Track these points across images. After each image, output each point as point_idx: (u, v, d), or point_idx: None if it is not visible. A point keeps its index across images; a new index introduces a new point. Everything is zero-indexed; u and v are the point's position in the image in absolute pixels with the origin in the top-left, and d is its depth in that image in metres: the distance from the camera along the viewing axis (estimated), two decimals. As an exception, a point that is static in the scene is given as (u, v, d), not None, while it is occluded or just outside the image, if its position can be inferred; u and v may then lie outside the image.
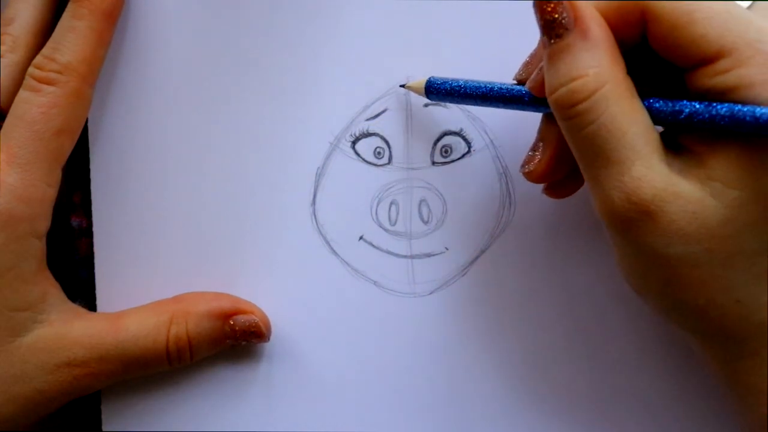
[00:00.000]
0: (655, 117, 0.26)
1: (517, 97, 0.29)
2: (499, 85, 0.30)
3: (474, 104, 0.31)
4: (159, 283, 0.35)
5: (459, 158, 0.34)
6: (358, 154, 0.35)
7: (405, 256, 0.35)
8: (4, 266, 0.31)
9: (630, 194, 0.25)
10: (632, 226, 0.25)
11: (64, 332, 0.32)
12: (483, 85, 0.30)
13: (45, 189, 0.32)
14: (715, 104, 0.25)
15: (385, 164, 0.35)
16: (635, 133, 0.25)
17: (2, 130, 0.32)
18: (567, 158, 0.28)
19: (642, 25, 0.26)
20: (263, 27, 0.35)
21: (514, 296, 0.34)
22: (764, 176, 0.24)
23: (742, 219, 0.25)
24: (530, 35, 0.34)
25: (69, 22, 0.32)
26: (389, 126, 0.34)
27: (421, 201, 0.35)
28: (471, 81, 0.31)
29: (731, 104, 0.24)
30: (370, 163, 0.35)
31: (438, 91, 0.32)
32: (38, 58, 0.32)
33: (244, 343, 0.34)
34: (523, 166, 0.30)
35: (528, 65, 0.30)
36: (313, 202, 0.35)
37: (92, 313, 0.34)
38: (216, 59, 0.35)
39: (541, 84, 0.28)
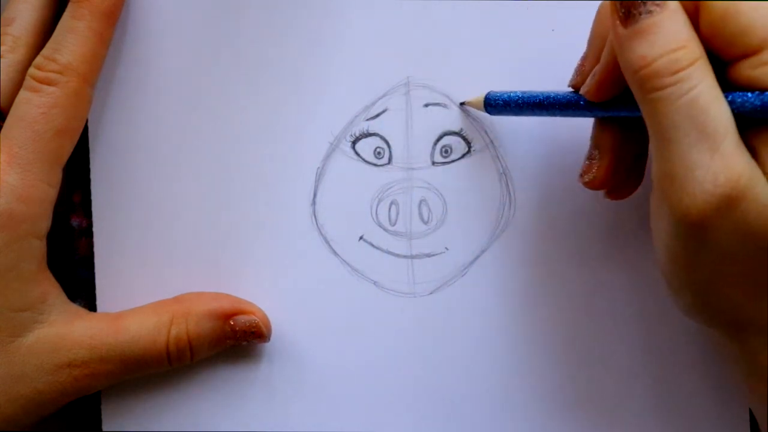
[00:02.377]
0: None
1: (573, 103, 0.30)
2: (555, 94, 0.30)
3: (532, 114, 0.31)
4: (159, 283, 0.35)
5: (459, 158, 0.34)
6: (358, 154, 0.35)
7: (405, 256, 0.35)
8: (5, 266, 0.31)
9: (719, 173, 0.24)
10: (710, 216, 0.25)
11: (64, 333, 0.32)
12: (540, 95, 0.30)
13: (45, 189, 0.32)
14: (765, 93, 0.25)
15: (385, 164, 0.35)
16: (723, 110, 0.25)
17: (2, 130, 0.32)
18: (626, 161, 0.29)
19: (696, 16, 0.26)
20: (263, 27, 0.35)
21: (514, 296, 0.34)
22: None
23: None
24: (530, 35, 0.34)
25: (69, 23, 0.32)
26: (389, 126, 0.35)
27: (421, 201, 0.35)
28: (528, 92, 0.31)
29: None
30: (370, 163, 0.35)
31: (497, 104, 0.32)
32: (38, 59, 0.32)
33: (244, 343, 0.34)
34: (581, 176, 0.31)
35: (581, 69, 0.30)
36: (313, 202, 0.35)
37: (92, 313, 0.34)
38: (216, 59, 0.35)
39: (596, 88, 0.28)
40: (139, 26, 0.35)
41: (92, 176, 0.35)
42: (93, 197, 0.35)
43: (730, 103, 0.25)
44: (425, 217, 0.35)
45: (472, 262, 0.35)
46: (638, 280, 0.34)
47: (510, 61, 0.34)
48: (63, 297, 0.33)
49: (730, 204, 0.24)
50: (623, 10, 0.26)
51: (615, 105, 0.29)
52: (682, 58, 0.25)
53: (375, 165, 0.35)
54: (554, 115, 0.31)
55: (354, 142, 0.35)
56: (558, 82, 0.33)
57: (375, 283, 0.35)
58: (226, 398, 0.35)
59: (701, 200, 0.25)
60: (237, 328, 0.33)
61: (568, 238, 0.34)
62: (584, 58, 0.30)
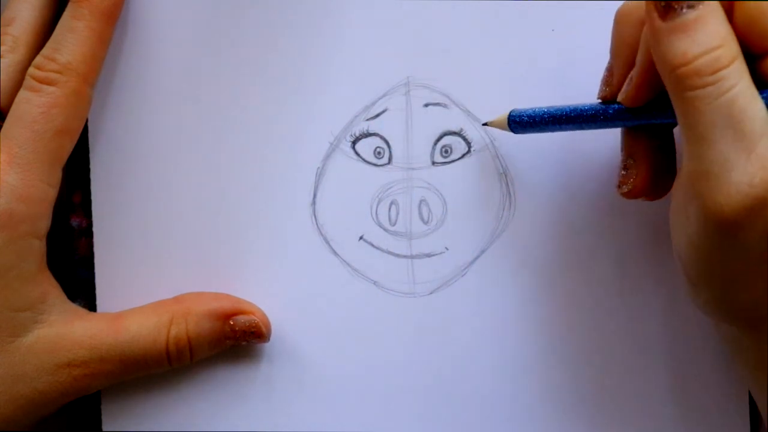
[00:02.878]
0: None
1: (602, 115, 0.29)
2: (582, 107, 0.30)
3: (559, 130, 0.31)
4: (159, 283, 0.35)
5: (459, 158, 0.34)
6: (358, 154, 0.35)
7: (405, 256, 0.35)
8: (5, 266, 0.31)
9: (754, 174, 0.24)
10: (746, 216, 0.25)
11: (64, 333, 0.32)
12: (567, 109, 0.30)
13: (45, 189, 0.32)
14: None
15: (385, 164, 0.35)
16: (760, 108, 0.25)
17: (2, 130, 0.32)
18: (661, 165, 0.29)
19: (731, 12, 0.26)
20: (263, 27, 0.35)
21: (514, 296, 0.34)
22: None
23: None
24: (530, 35, 0.34)
25: (69, 23, 0.32)
26: (389, 126, 0.35)
27: (421, 201, 0.35)
28: (553, 107, 0.31)
29: None
30: (370, 163, 0.35)
31: (522, 122, 0.31)
32: (38, 59, 0.32)
33: (244, 343, 0.34)
34: (620, 186, 0.30)
35: (609, 80, 0.30)
36: (313, 202, 0.35)
37: (92, 313, 0.34)
38: (216, 59, 0.35)
39: (634, 93, 0.28)
40: (139, 26, 0.35)
41: (92, 176, 0.35)
42: (93, 197, 0.35)
43: (766, 101, 0.25)
44: (425, 217, 0.35)
45: (472, 262, 0.35)
46: (639, 279, 0.34)
47: (510, 61, 0.34)
48: (63, 297, 0.33)
49: (763, 204, 0.24)
50: (663, 4, 0.25)
51: (648, 111, 0.29)
52: (723, 56, 0.25)
53: (375, 165, 0.35)
54: (582, 128, 0.30)
55: (354, 142, 0.35)
56: (558, 81, 0.34)
57: (375, 283, 0.35)
58: (226, 398, 0.35)
59: (736, 201, 0.24)
60: (237, 328, 0.33)
61: (567, 238, 0.34)
62: (611, 69, 0.30)
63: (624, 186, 0.30)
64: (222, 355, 0.35)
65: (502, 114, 0.32)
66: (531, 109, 0.31)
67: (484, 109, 0.34)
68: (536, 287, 0.34)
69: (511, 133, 0.32)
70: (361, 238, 0.35)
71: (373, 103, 0.35)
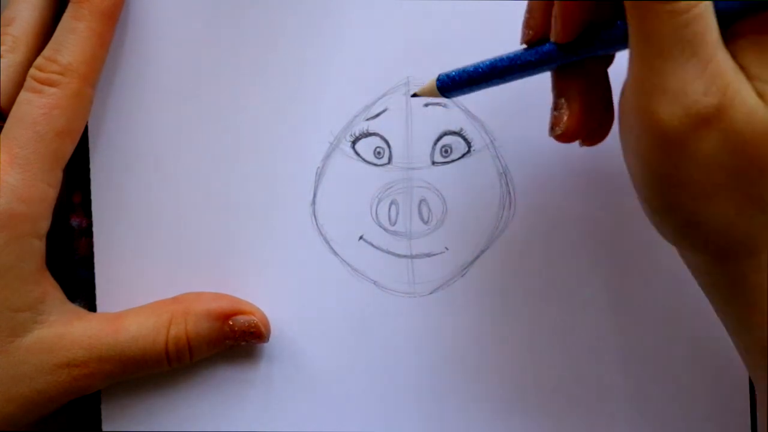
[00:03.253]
0: None
1: (530, 60, 0.28)
2: (507, 55, 0.29)
3: (490, 85, 0.30)
4: (159, 283, 0.35)
5: (459, 158, 0.34)
6: (358, 154, 0.35)
7: (405, 256, 0.35)
8: (5, 266, 0.31)
9: (709, 84, 0.24)
10: (696, 128, 0.24)
11: (63, 333, 0.32)
12: (493, 60, 0.29)
13: (46, 189, 0.32)
14: None
15: (385, 164, 0.35)
16: (714, 20, 0.25)
17: (3, 130, 0.32)
18: (594, 104, 0.28)
19: None
20: (263, 27, 0.35)
21: (514, 296, 0.34)
22: None
23: None
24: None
25: (69, 24, 0.32)
26: (389, 126, 0.35)
27: (421, 201, 0.35)
28: (482, 62, 0.29)
29: None
30: (370, 162, 0.35)
31: (452, 83, 0.30)
32: (39, 60, 0.32)
33: (243, 343, 0.34)
34: (552, 129, 0.29)
35: (529, 22, 0.29)
36: (313, 202, 0.35)
37: (92, 313, 0.34)
38: (216, 59, 0.35)
39: (562, 28, 0.27)
40: (140, 27, 0.35)
41: (92, 176, 0.35)
42: (93, 197, 0.35)
43: (718, 11, 0.25)
44: (425, 217, 0.35)
45: (472, 262, 0.35)
46: (639, 278, 0.34)
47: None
48: (62, 297, 0.33)
49: (719, 113, 0.24)
50: None
51: (577, 46, 0.28)
52: None
53: (375, 165, 0.35)
54: (512, 79, 0.29)
55: (354, 142, 0.35)
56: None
57: (375, 283, 0.35)
58: (226, 398, 0.35)
59: (694, 111, 0.24)
60: (236, 329, 0.33)
61: (568, 238, 0.34)
62: (530, 10, 0.29)
63: (557, 128, 0.29)
64: (222, 355, 0.35)
65: (430, 80, 0.31)
66: (458, 69, 0.30)
67: (484, 109, 0.34)
68: (536, 287, 0.34)
69: (513, 136, 0.32)
70: (361, 238, 0.35)
71: (373, 103, 0.35)
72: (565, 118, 0.29)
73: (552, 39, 0.28)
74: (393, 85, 0.34)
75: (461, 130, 0.34)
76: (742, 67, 0.25)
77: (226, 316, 0.33)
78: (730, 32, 0.25)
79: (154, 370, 0.33)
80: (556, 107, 0.29)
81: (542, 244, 0.34)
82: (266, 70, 0.35)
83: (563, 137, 0.29)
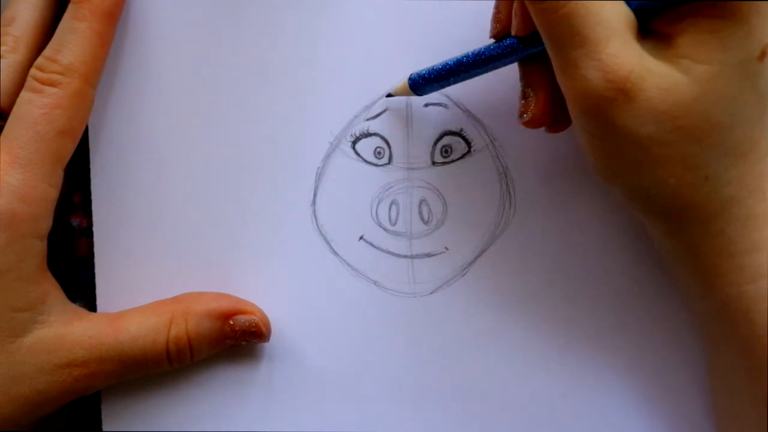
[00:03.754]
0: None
1: (495, 53, 0.30)
2: (474, 51, 0.31)
3: (461, 80, 0.31)
4: (159, 283, 0.35)
5: (459, 158, 0.34)
6: (358, 154, 0.35)
7: (405, 256, 0.35)
8: (5, 267, 0.31)
9: (607, 71, 0.26)
10: (608, 106, 0.26)
11: (64, 333, 0.32)
12: (461, 57, 0.31)
13: (47, 189, 0.32)
14: None
15: (386, 164, 0.35)
16: (610, 11, 0.26)
17: (4, 130, 0.32)
18: (560, 94, 0.29)
19: None
20: (263, 27, 0.35)
21: (514, 296, 0.34)
22: (730, 49, 0.26)
23: (712, 93, 0.26)
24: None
25: (70, 24, 0.32)
26: (389, 126, 0.35)
27: (421, 201, 0.35)
28: (450, 59, 0.31)
29: None
30: (370, 163, 0.35)
31: (424, 82, 0.32)
32: (40, 60, 0.32)
33: (244, 343, 0.34)
34: (520, 116, 0.31)
35: (497, 17, 0.30)
36: (313, 202, 0.35)
37: (92, 313, 0.34)
38: (216, 59, 0.35)
39: (520, 23, 0.29)
40: (140, 26, 0.35)
41: (92, 176, 0.35)
42: (93, 197, 0.35)
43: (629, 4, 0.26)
44: (425, 217, 0.35)
45: (472, 262, 0.35)
46: (639, 278, 0.34)
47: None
48: (63, 297, 0.33)
49: (628, 94, 0.26)
50: None
51: (536, 39, 0.29)
52: None
53: (375, 165, 0.35)
54: (482, 72, 0.31)
55: (354, 142, 0.35)
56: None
57: (375, 283, 0.35)
58: (226, 398, 0.35)
59: (596, 94, 0.26)
60: (236, 328, 0.33)
61: (568, 238, 0.34)
62: (497, 6, 0.31)
63: (525, 115, 0.30)
64: (222, 355, 0.35)
65: (402, 80, 0.33)
66: (428, 67, 0.32)
67: (484, 109, 0.34)
68: (536, 287, 0.34)
69: (513, 136, 0.32)
70: (361, 238, 0.35)
71: (374, 103, 0.35)
72: (532, 105, 0.30)
73: (512, 33, 0.30)
74: (393, 85, 0.34)
75: (461, 130, 0.34)
76: (678, 46, 0.26)
77: (226, 316, 0.33)
78: (674, 15, 0.26)
79: (154, 370, 0.33)
80: (523, 96, 0.30)
81: (542, 244, 0.34)
82: (266, 70, 0.35)
83: (531, 123, 0.30)
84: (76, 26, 0.32)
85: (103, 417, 0.35)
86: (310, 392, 0.35)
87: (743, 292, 0.28)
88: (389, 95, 0.34)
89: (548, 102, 0.30)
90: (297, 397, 0.35)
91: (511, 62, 0.30)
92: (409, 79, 0.33)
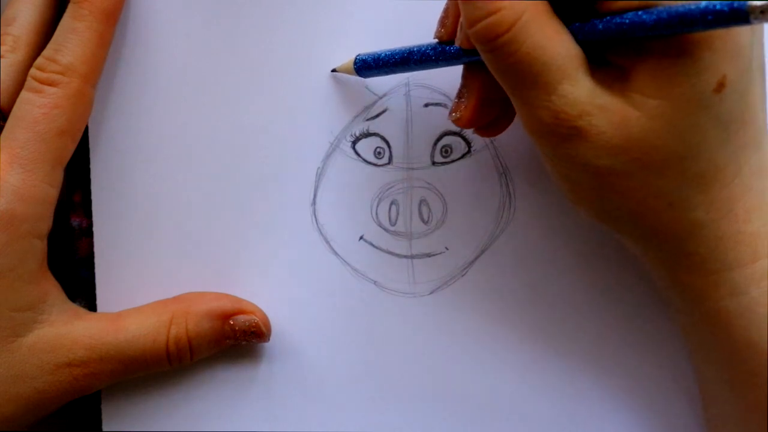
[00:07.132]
0: (575, 36, 0.27)
1: (440, 55, 0.30)
2: (420, 47, 0.31)
3: (404, 71, 0.32)
4: (159, 283, 0.35)
5: (459, 158, 0.35)
6: (358, 154, 0.35)
7: (405, 256, 0.35)
8: (6, 266, 0.31)
9: (558, 112, 0.26)
10: (562, 142, 0.26)
11: (64, 332, 0.32)
12: (407, 50, 0.31)
13: (47, 189, 0.32)
14: (622, 16, 0.25)
15: (386, 164, 0.35)
16: (558, 54, 0.26)
17: (4, 130, 0.32)
18: (492, 102, 0.29)
19: None
20: (263, 27, 0.35)
21: (514, 296, 0.34)
22: (681, 84, 0.25)
23: (665, 127, 0.26)
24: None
25: (70, 23, 0.32)
26: (389, 126, 0.35)
27: (421, 201, 0.35)
28: (395, 48, 0.32)
29: (635, 12, 0.25)
30: (370, 163, 0.35)
31: (367, 65, 0.32)
32: (40, 60, 0.32)
33: (244, 343, 0.34)
34: (451, 113, 0.31)
35: (444, 21, 0.30)
36: (313, 202, 0.35)
37: (92, 313, 0.34)
38: (216, 59, 0.35)
39: (465, 38, 0.28)
40: (140, 26, 0.35)
41: (92, 176, 0.35)
42: (93, 197, 0.35)
43: (575, 35, 0.26)
44: (425, 217, 0.35)
45: (472, 262, 0.35)
46: (639, 278, 0.34)
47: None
48: (63, 297, 0.33)
49: (580, 133, 0.26)
50: None
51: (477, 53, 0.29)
52: (500, 22, 0.25)
53: (375, 165, 0.35)
54: (424, 68, 0.31)
55: (354, 142, 0.35)
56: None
57: (375, 283, 0.35)
58: (226, 398, 0.35)
59: (548, 129, 0.26)
60: (237, 328, 0.33)
61: (567, 238, 0.34)
62: (446, 10, 0.30)
63: (454, 113, 0.30)
64: (222, 355, 0.35)
65: (349, 60, 0.33)
66: (375, 52, 0.32)
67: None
68: (536, 287, 0.34)
69: (513, 136, 0.32)
70: (361, 238, 0.35)
71: (374, 103, 0.35)
72: (462, 107, 0.30)
73: (456, 43, 0.29)
74: (393, 85, 0.34)
75: (461, 130, 0.34)
76: (631, 80, 0.26)
77: (226, 316, 0.33)
78: (627, 49, 0.26)
79: (154, 370, 0.33)
80: (458, 95, 0.31)
81: (542, 243, 0.34)
82: (266, 70, 0.35)
83: (458, 122, 0.31)
84: (76, 26, 0.32)
85: (103, 417, 0.35)
86: (310, 392, 0.35)
87: (721, 308, 0.28)
88: (334, 71, 0.34)
89: (477, 108, 0.30)
90: (297, 397, 0.35)
91: (456, 64, 0.30)
92: (355, 61, 0.33)
